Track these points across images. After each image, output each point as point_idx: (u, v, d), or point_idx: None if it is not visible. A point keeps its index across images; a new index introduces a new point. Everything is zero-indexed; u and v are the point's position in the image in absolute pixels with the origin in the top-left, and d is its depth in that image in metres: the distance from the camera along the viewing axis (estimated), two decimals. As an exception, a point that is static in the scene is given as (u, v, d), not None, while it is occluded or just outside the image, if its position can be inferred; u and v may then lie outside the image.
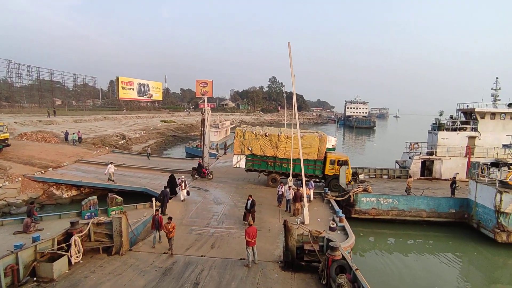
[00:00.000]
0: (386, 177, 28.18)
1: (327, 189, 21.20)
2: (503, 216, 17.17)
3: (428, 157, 27.80)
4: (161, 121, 71.18)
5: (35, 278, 9.93)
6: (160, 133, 58.85)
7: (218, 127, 52.37)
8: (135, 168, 27.90)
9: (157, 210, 13.43)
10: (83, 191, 23.74)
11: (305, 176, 21.39)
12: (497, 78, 28.52)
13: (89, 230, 11.86)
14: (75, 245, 10.97)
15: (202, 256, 12.05)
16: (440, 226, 20.00)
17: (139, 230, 13.87)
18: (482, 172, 19.46)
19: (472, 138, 27.82)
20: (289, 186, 18.19)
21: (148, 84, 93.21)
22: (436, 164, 27.51)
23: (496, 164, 23.18)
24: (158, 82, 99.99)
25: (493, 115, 27.82)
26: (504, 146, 24.52)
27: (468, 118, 29.16)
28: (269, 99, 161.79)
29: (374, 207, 20.14)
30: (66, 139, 36.12)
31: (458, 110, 30.01)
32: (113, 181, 22.67)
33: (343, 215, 16.36)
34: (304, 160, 21.43)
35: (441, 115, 31.43)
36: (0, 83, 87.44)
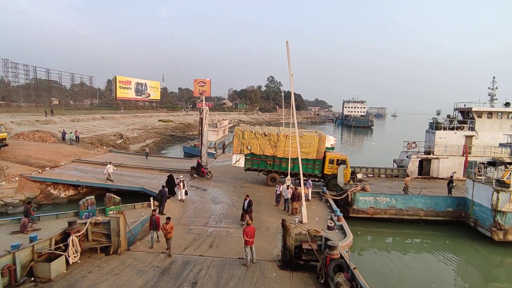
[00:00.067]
0: (384, 176, 28.26)
1: (325, 188, 21.25)
2: (499, 215, 17.27)
3: (425, 156, 27.90)
4: (159, 120, 71.02)
5: (32, 278, 9.89)
6: (158, 133, 58.72)
7: (216, 127, 52.31)
8: (133, 168, 27.82)
9: (154, 210, 13.38)
10: (81, 191, 23.65)
11: (305, 176, 21.50)
12: (494, 77, 28.65)
13: (86, 230, 11.81)
14: (73, 245, 10.93)
15: (200, 255, 12.05)
16: (437, 225, 20.10)
17: (137, 230, 13.83)
18: (479, 171, 19.55)
19: (469, 137, 27.95)
20: (288, 186, 18.21)
21: (146, 84, 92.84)
22: (434, 163, 27.62)
23: (493, 163, 23.26)
24: (156, 82, 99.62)
25: (490, 114, 27.96)
26: (501, 145, 24.63)
27: (465, 117, 29.30)
28: (267, 99, 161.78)
29: (372, 206, 20.20)
30: (63, 138, 35.99)
31: (456, 109, 30.14)
32: (111, 181, 22.61)
33: (341, 214, 16.41)
34: (303, 159, 21.51)
35: (438, 114, 31.65)
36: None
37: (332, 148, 25.59)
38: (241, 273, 10.82)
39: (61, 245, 10.89)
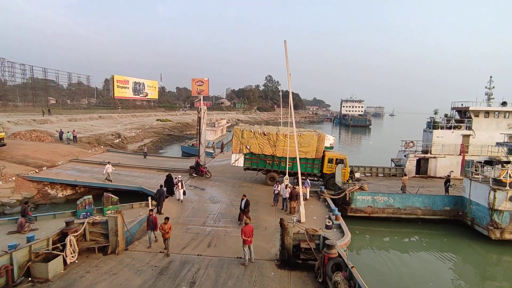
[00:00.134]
0: (382, 175, 28.35)
1: (323, 187, 21.29)
2: (496, 214, 17.36)
3: (423, 155, 28.01)
4: (157, 120, 70.87)
5: (29, 279, 9.86)
6: (156, 132, 58.59)
7: (214, 126, 52.28)
8: (131, 167, 27.75)
9: (151, 210, 13.32)
10: (78, 191, 23.56)
11: (304, 175, 21.53)
12: (491, 77, 28.80)
13: (84, 229, 11.78)
14: (70, 245, 10.90)
15: (198, 255, 12.04)
16: (434, 224, 20.18)
17: (135, 230, 13.81)
18: (476, 170, 19.64)
19: (466, 136, 28.08)
20: (286, 185, 18.24)
21: (143, 83, 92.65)
22: (431, 162, 27.74)
23: (490, 162, 23.43)
24: (153, 81, 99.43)
25: (487, 113, 28.10)
26: (498, 144, 24.78)
27: (463, 116, 29.44)
28: (265, 98, 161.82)
29: (370, 205, 20.26)
30: (60, 138, 35.84)
31: (453, 108, 30.28)
32: (110, 181, 22.55)
33: (339, 213, 16.42)
34: (302, 158, 21.55)
35: (436, 113, 31.73)
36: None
37: (331, 148, 25.65)
38: (239, 272, 10.82)
39: (58, 245, 10.85)
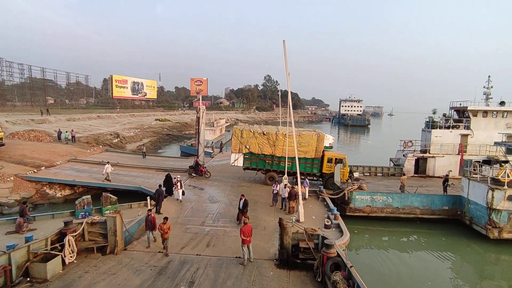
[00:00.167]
0: (381, 175, 28.39)
1: (322, 187, 21.30)
2: (494, 213, 17.41)
3: (421, 155, 28.07)
4: (156, 119, 70.78)
5: (28, 279, 9.82)
6: (154, 132, 58.51)
7: (213, 126, 52.27)
8: (130, 167, 27.71)
9: (149, 210, 13.29)
10: (77, 191, 23.51)
11: (303, 175, 21.55)
12: (489, 76, 28.87)
13: (83, 229, 11.75)
14: (69, 245, 10.86)
15: (197, 254, 12.03)
16: (433, 223, 20.23)
17: (133, 229, 13.79)
18: (474, 170, 19.69)
19: (464, 136, 28.15)
20: (285, 184, 18.25)
21: (142, 83, 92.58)
22: (430, 162, 27.80)
23: (488, 162, 23.52)
24: (152, 81, 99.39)
25: (485, 113, 28.17)
26: (496, 143, 24.85)
27: (461, 116, 29.50)
28: (264, 98, 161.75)
29: (369, 205, 20.29)
30: (59, 138, 35.76)
31: (451, 108, 30.34)
32: (109, 180, 22.51)
33: (338, 213, 16.45)
34: (302, 158, 21.59)
35: (434, 113, 31.79)
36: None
37: (331, 147, 25.68)
38: (238, 272, 10.82)
39: (57, 245, 10.82)
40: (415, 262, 16.30)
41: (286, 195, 17.40)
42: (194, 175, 24.95)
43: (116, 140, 44.36)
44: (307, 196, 19.64)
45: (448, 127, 28.50)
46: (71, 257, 10.91)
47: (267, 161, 23.03)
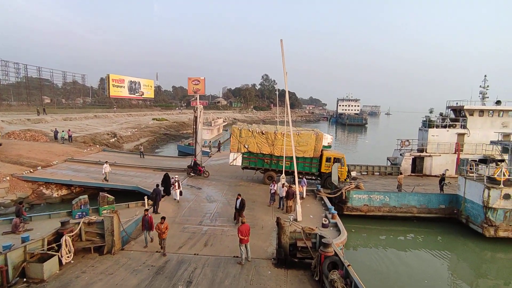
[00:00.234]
0: (378, 174, 28.49)
1: (319, 186, 21.35)
2: (490, 211, 17.53)
3: (418, 154, 28.20)
4: (153, 119, 70.56)
5: (24, 279, 9.77)
6: (152, 131, 58.33)
7: (211, 125, 52.15)
8: (127, 167, 27.62)
9: (146, 210, 13.22)
10: (74, 190, 23.40)
11: (302, 174, 21.58)
12: (485, 76, 29.01)
13: (80, 229, 11.70)
14: (66, 245, 10.81)
15: (195, 254, 12.03)
16: (430, 222, 20.33)
17: (131, 229, 13.74)
18: (470, 169, 19.80)
19: (461, 135, 28.30)
20: (283, 184, 18.26)
21: (139, 82, 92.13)
22: (427, 161, 27.93)
23: (484, 161, 23.64)
24: (149, 80, 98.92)
25: (481, 112, 28.33)
26: (492, 142, 25.00)
27: (458, 115, 29.67)
28: (261, 97, 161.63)
29: (366, 204, 20.36)
30: (55, 137, 35.58)
31: (448, 107, 30.50)
32: (107, 180, 22.43)
33: (336, 212, 16.51)
34: (300, 157, 21.64)
35: (431, 112, 31.92)
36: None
37: (329, 147, 25.72)
38: (236, 271, 10.82)
39: (54, 245, 10.77)
40: (412, 261, 16.38)
41: (284, 194, 17.42)
42: (193, 174, 24.93)
43: (113, 140, 44.19)
44: (304, 195, 19.67)
45: (445, 126, 28.64)
46: (68, 257, 10.86)
47: (265, 161, 23.04)
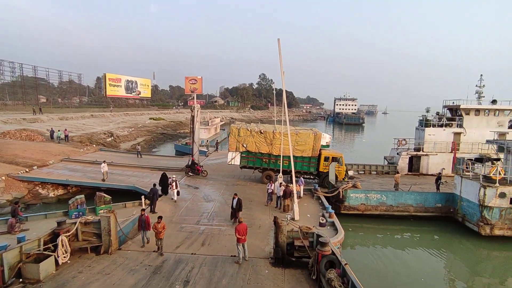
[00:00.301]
0: (375, 173, 28.60)
1: (317, 185, 21.38)
2: (486, 210, 17.66)
3: (415, 153, 28.34)
4: (150, 118, 70.35)
5: (21, 280, 9.71)
6: (149, 131, 58.16)
7: (208, 124, 52.09)
8: (124, 166, 27.51)
9: (143, 210, 13.18)
10: (70, 190, 23.26)
11: (300, 173, 21.58)
12: (481, 75, 29.19)
13: (76, 229, 11.65)
14: (62, 245, 10.76)
15: (192, 253, 12.01)
16: (426, 221, 20.44)
17: (128, 229, 13.70)
18: (467, 167, 19.93)
19: (457, 134, 28.48)
20: (280, 183, 18.27)
21: (136, 81, 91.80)
22: (423, 160, 28.07)
23: (480, 160, 23.79)
24: (146, 79, 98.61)
25: (477, 111, 28.52)
26: (488, 141, 25.17)
27: (454, 114, 29.83)
28: (259, 96, 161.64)
29: (363, 203, 20.43)
30: (51, 137, 35.36)
31: (444, 106, 30.65)
32: (104, 180, 22.34)
33: (333, 211, 16.53)
34: (298, 157, 21.67)
35: (428, 111, 32.06)
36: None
37: (328, 146, 25.79)
38: (233, 270, 10.82)
39: (50, 245, 10.71)
40: (409, 259, 16.46)
41: (281, 193, 17.43)
42: (191, 174, 24.88)
43: (110, 139, 43.99)
44: (302, 195, 19.69)
45: (441, 126, 28.82)
46: (64, 257, 10.81)
47: (264, 160, 23.04)
